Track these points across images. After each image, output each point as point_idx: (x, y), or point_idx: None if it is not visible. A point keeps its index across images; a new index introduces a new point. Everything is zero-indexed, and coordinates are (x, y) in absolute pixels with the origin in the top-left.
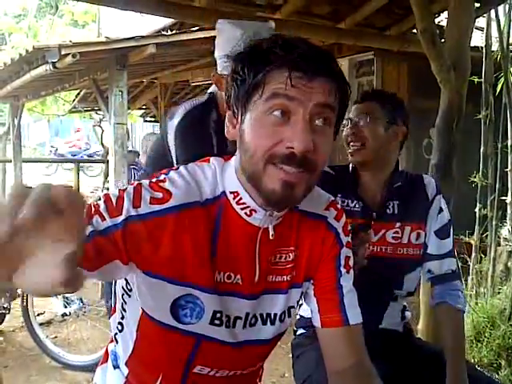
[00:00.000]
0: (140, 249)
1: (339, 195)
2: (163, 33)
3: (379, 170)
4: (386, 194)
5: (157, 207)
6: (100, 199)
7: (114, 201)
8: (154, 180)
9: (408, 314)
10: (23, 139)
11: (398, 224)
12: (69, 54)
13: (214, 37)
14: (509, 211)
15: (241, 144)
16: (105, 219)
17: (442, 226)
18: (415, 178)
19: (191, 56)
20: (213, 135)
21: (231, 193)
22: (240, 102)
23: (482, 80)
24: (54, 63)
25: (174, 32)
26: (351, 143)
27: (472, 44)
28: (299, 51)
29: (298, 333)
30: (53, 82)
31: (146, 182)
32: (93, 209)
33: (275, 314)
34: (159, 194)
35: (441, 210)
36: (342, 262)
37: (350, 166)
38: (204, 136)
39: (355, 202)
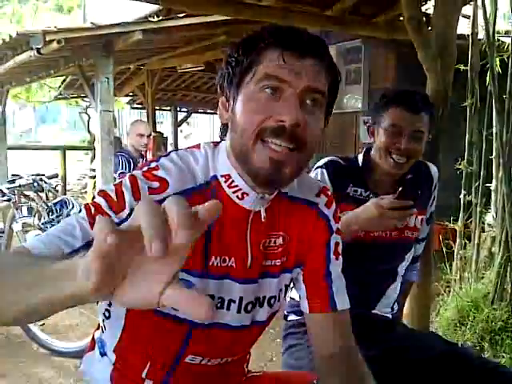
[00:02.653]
0: None
1: (351, 184)
2: (150, 19)
3: None
4: (398, 185)
5: (156, 197)
6: (95, 197)
7: (114, 197)
8: (145, 169)
9: (396, 307)
10: (8, 126)
11: None
12: (53, 40)
13: (202, 23)
14: (493, 198)
15: (232, 125)
16: (110, 217)
17: (432, 212)
18: (420, 165)
19: (178, 43)
20: None
21: (222, 176)
22: (233, 84)
23: (468, 68)
24: (38, 49)
25: (160, 18)
26: (397, 156)
27: (458, 32)
28: (290, 31)
29: (288, 318)
30: (38, 68)
31: (138, 172)
32: (92, 208)
33: (264, 297)
34: (156, 184)
35: (435, 198)
36: (332, 249)
37: (360, 159)
38: None
39: (368, 192)
